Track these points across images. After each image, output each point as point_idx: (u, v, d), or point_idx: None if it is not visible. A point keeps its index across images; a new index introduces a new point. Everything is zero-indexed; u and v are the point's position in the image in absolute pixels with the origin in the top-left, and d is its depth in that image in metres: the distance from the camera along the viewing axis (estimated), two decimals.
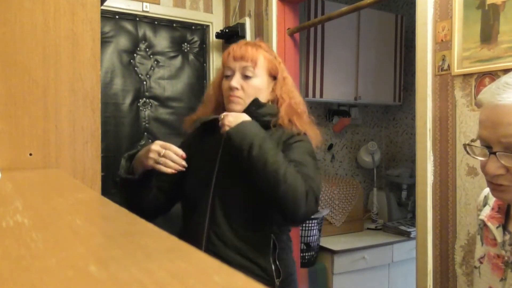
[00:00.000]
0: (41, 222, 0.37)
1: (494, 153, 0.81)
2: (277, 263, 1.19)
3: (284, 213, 1.12)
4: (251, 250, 1.16)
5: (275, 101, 1.28)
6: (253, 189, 1.13)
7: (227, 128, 1.14)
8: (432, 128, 1.63)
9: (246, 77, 1.22)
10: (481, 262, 0.98)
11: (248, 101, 1.23)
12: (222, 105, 1.30)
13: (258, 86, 1.24)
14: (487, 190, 1.04)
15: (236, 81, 1.21)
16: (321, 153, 3.19)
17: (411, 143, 3.25)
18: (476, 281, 1.00)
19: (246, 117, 1.17)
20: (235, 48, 1.25)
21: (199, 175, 1.25)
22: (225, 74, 1.27)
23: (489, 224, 0.95)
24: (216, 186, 1.21)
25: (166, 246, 0.30)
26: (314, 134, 1.31)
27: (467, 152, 0.89)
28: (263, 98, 1.26)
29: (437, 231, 1.63)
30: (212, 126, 1.25)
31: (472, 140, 0.89)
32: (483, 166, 0.85)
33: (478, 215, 1.04)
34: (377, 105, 3.37)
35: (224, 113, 1.19)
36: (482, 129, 0.84)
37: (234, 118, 1.15)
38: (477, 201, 1.08)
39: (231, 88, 1.22)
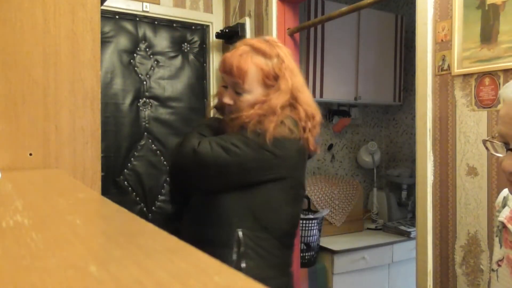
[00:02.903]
0: (41, 222, 0.37)
1: (511, 149, 0.79)
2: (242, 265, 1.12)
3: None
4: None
5: None
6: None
7: None
8: (432, 128, 1.63)
9: (237, 93, 1.18)
10: (499, 265, 0.95)
11: (245, 112, 1.18)
12: None
13: (250, 101, 1.17)
14: (506, 191, 1.01)
15: (228, 98, 1.20)
16: (321, 153, 3.19)
17: (411, 143, 3.25)
18: (494, 284, 0.96)
19: None
20: (226, 59, 1.20)
21: None
22: (222, 84, 1.25)
23: (509, 226, 0.92)
24: None
25: (166, 246, 0.30)
26: (265, 128, 1.13)
27: (486, 148, 0.87)
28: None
29: (437, 231, 1.63)
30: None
31: (493, 137, 0.86)
32: (500, 163, 0.82)
33: (497, 216, 1.01)
34: (377, 105, 3.37)
35: None
36: (500, 125, 0.82)
37: None
38: (496, 202, 1.05)
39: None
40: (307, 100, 1.22)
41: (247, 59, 1.16)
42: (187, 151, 1.11)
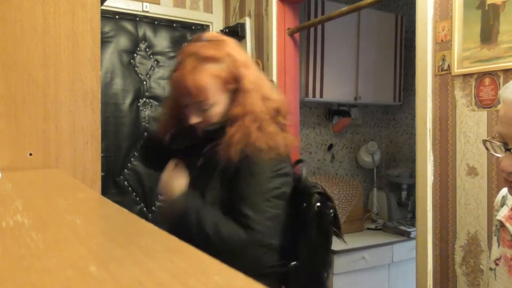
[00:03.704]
0: (41, 222, 0.37)
1: (510, 150, 0.80)
2: None
3: None
4: None
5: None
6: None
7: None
8: (432, 128, 1.63)
9: (202, 110, 1.10)
10: (497, 264, 0.96)
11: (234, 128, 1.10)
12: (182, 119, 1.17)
13: (219, 112, 1.10)
14: (505, 190, 1.01)
15: (195, 117, 1.11)
16: (321, 153, 3.19)
17: (411, 143, 3.25)
18: (492, 283, 0.97)
19: (178, 187, 1.09)
20: (178, 80, 1.08)
21: None
22: (179, 103, 1.14)
23: (507, 224, 0.93)
24: None
25: (166, 246, 0.30)
26: (276, 144, 1.09)
27: (486, 148, 0.88)
28: (229, 113, 1.11)
29: (437, 231, 1.63)
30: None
31: (493, 137, 0.87)
32: (499, 163, 0.83)
33: (495, 215, 1.01)
34: (377, 105, 3.37)
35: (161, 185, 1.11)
36: (499, 125, 0.83)
37: (167, 192, 1.09)
38: (495, 201, 1.06)
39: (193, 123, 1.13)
40: (268, 92, 1.13)
41: (200, 73, 1.06)
42: (241, 248, 1.02)
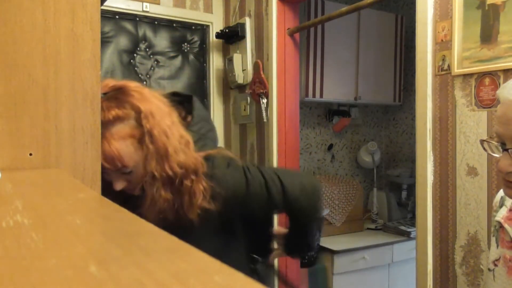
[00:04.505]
0: (41, 222, 0.37)
1: (507, 150, 0.80)
2: None
3: None
4: None
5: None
6: None
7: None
8: (432, 128, 1.63)
9: (125, 175, 0.98)
10: (495, 265, 0.95)
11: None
12: None
13: (143, 172, 0.97)
14: None
15: (119, 184, 0.98)
16: (321, 153, 3.20)
17: (411, 143, 3.25)
18: (490, 284, 0.97)
19: None
20: None
21: None
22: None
23: (506, 225, 0.92)
24: None
25: (166, 246, 0.30)
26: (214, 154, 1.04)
27: (484, 148, 0.88)
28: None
29: (437, 231, 1.63)
30: None
31: (491, 137, 0.87)
32: (497, 163, 0.83)
33: (494, 216, 1.01)
34: (377, 105, 3.37)
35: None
36: (497, 125, 0.83)
37: None
38: (493, 201, 1.06)
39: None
40: (172, 151, 0.97)
41: (109, 142, 0.93)
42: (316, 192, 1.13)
